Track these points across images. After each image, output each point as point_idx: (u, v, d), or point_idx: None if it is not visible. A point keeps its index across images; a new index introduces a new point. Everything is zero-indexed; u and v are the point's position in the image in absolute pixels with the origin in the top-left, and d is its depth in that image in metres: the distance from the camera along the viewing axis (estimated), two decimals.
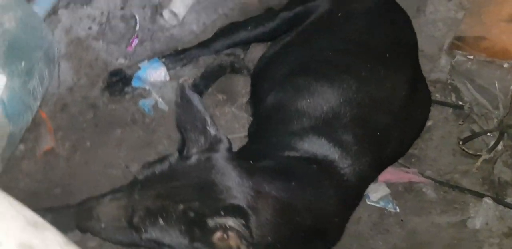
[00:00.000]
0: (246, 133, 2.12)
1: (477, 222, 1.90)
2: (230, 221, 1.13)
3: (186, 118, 1.28)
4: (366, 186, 1.72)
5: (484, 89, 2.11)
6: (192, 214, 1.19)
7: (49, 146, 1.94)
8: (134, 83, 2.08)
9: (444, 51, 2.25)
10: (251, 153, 1.63)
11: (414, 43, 2.03)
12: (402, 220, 1.98)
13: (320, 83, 1.71)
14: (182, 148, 1.29)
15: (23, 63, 1.46)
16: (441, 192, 2.05)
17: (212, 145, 1.26)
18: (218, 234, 1.17)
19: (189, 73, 2.19)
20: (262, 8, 2.44)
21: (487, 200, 1.94)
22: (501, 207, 1.94)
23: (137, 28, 2.11)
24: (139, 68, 2.08)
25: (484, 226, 1.92)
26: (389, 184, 2.03)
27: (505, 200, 1.99)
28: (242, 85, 2.28)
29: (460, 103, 2.18)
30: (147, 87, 2.08)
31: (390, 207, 2.02)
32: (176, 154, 1.30)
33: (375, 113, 1.68)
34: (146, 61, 2.11)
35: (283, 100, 1.74)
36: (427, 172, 2.09)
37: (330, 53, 1.82)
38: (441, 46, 2.27)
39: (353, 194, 1.64)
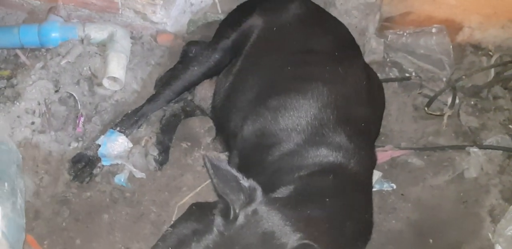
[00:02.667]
0: None
1: (473, 171, 1.99)
2: None
3: (223, 184, 1.25)
4: (372, 173, 1.78)
5: (426, 56, 2.25)
6: None
7: None
8: (104, 162, 1.97)
9: (370, 35, 2.34)
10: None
11: (349, 35, 2.11)
12: (402, 194, 2.02)
13: (293, 98, 1.71)
14: (227, 212, 1.24)
15: (6, 185, 1.35)
16: (425, 157, 2.11)
17: (251, 196, 1.24)
18: None
19: (146, 132, 2.12)
20: None
21: (472, 148, 2.03)
22: (485, 151, 2.04)
23: (79, 106, 2.02)
24: (99, 145, 1.97)
25: (480, 172, 2.01)
26: (375, 167, 2.09)
27: (484, 144, 2.10)
28: (199, 125, 2.24)
29: (407, 75, 2.30)
30: (118, 162, 1.97)
31: (386, 186, 2.04)
32: (219, 220, 1.24)
33: (352, 108, 1.74)
34: (102, 136, 2.00)
35: (263, 125, 1.72)
36: (402, 144, 2.15)
37: (288, 68, 1.83)
38: (363, 32, 2.34)
39: (368, 185, 1.72)
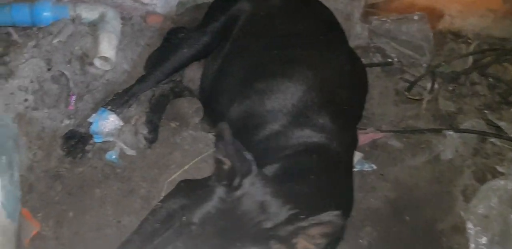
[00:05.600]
0: (213, 149, 2.18)
1: (448, 153, 2.06)
2: (304, 223, 1.20)
3: (227, 152, 1.27)
4: (353, 153, 1.83)
5: (407, 42, 2.31)
6: (267, 232, 1.22)
7: (35, 231, 1.80)
8: (97, 139, 1.99)
9: (356, 20, 2.38)
10: None
11: (334, 19, 2.12)
12: (382, 174, 2.07)
13: (279, 81, 1.73)
14: (231, 178, 1.27)
15: (4, 158, 1.37)
16: (404, 139, 2.17)
17: (249, 168, 1.28)
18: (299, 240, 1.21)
19: (136, 111, 2.12)
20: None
21: (448, 132, 2.09)
22: (460, 134, 2.11)
23: (71, 84, 2.02)
24: (90, 123, 1.98)
25: (455, 154, 2.08)
26: (357, 149, 2.09)
27: (460, 128, 2.17)
28: (187, 106, 2.23)
29: (389, 60, 2.36)
30: (110, 139, 1.99)
31: (366, 167, 2.09)
32: (220, 188, 1.28)
33: (336, 91, 1.77)
34: (94, 114, 2.01)
35: (250, 107, 1.75)
36: (383, 127, 2.21)
37: (274, 51, 1.85)
38: (349, 17, 2.38)
39: (349, 164, 1.77)
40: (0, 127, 1.48)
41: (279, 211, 1.25)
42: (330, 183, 1.54)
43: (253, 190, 1.26)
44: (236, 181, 1.26)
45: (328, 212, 1.16)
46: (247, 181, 1.26)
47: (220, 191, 1.28)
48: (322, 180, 1.51)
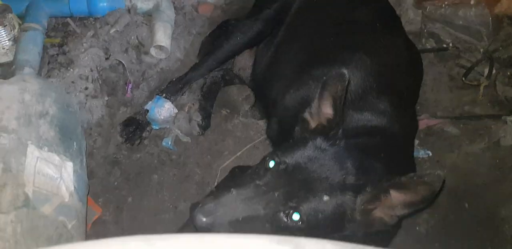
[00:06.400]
0: (264, 136, 2.14)
1: (509, 139, 2.00)
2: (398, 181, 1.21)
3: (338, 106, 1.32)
4: (414, 136, 1.85)
5: (465, 27, 2.24)
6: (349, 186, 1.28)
7: (96, 216, 1.87)
8: (154, 126, 2.03)
9: (409, 5, 2.35)
10: None
11: (389, 6, 2.09)
12: (438, 161, 2.04)
13: (336, 68, 1.76)
14: (330, 129, 1.34)
15: (74, 144, 1.42)
16: (461, 126, 2.12)
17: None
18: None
19: (189, 99, 2.16)
20: (226, 17, 2.43)
21: (508, 117, 2.04)
22: None
23: (128, 73, 2.05)
24: (147, 110, 2.02)
25: None
26: None
27: None
28: (237, 94, 2.26)
29: (445, 45, 2.30)
30: (167, 126, 2.03)
31: (422, 154, 2.06)
32: (317, 138, 1.34)
33: (394, 77, 1.77)
34: (149, 102, 2.05)
35: (307, 94, 1.73)
36: (438, 114, 2.16)
37: (331, 38, 1.84)
38: (398, 2, 2.34)
39: (412, 149, 1.79)
40: (71, 114, 1.52)
41: (368, 170, 1.32)
42: (397, 164, 1.52)
43: (345, 147, 1.34)
44: (335, 132, 1.32)
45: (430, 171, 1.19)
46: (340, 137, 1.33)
47: (318, 140, 1.33)
48: (390, 160, 1.48)
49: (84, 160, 1.51)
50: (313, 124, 1.39)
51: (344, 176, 1.29)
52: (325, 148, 1.32)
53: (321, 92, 1.32)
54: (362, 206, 1.27)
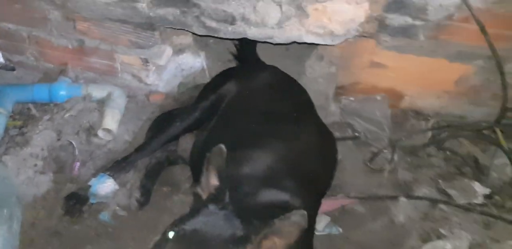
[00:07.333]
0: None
1: (401, 218, 2.24)
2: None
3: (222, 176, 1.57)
4: (316, 215, 2.04)
5: (370, 119, 2.56)
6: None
7: None
8: (92, 200, 2.21)
9: (331, 99, 2.67)
10: None
11: (308, 98, 2.41)
12: (347, 238, 2.23)
13: (255, 151, 1.98)
14: (221, 197, 1.56)
15: (5, 211, 1.62)
16: (367, 205, 2.34)
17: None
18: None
19: (133, 177, 2.35)
20: (177, 105, 2.73)
21: (401, 198, 2.29)
22: (413, 201, 2.30)
23: (76, 152, 2.28)
24: (90, 186, 2.21)
25: (407, 218, 2.24)
26: (327, 214, 2.29)
27: (414, 195, 2.34)
28: (180, 173, 2.47)
29: (356, 134, 2.60)
30: (104, 201, 2.21)
31: (334, 231, 2.25)
32: (213, 206, 1.54)
33: (303, 161, 2.01)
34: (93, 179, 2.24)
35: (229, 173, 1.92)
36: (351, 194, 2.38)
37: (253, 126, 2.13)
38: (327, 96, 2.66)
39: (312, 223, 1.94)
40: (6, 185, 1.72)
41: (253, 223, 1.50)
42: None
43: (233, 210, 1.54)
44: (222, 197, 1.55)
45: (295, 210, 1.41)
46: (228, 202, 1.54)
47: (210, 207, 1.55)
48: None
49: (15, 226, 1.69)
50: (204, 195, 1.62)
51: (233, 231, 1.49)
52: (216, 212, 1.53)
53: (206, 167, 1.59)
54: None
